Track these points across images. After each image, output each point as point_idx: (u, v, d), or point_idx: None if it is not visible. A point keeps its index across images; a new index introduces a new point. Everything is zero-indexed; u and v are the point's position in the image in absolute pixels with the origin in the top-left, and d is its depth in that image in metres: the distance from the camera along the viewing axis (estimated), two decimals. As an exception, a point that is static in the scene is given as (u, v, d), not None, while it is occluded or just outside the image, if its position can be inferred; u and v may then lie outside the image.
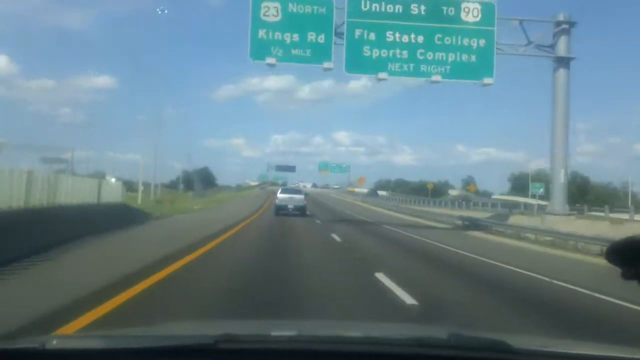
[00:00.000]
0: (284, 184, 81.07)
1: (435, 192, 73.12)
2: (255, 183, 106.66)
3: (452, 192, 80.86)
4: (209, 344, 1.31)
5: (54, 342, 1.33)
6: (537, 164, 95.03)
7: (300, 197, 29.71)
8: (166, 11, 74.54)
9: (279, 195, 30.16)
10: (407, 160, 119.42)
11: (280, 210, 27.92)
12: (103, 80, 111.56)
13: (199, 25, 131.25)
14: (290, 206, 28.31)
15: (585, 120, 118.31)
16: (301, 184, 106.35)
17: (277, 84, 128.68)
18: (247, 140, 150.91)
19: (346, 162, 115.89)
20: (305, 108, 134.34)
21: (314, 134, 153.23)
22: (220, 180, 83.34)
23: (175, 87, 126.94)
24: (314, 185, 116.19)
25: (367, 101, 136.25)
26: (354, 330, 2.28)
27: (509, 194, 70.57)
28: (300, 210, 28.01)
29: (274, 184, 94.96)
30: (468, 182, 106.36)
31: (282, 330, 2.07)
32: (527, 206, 35.91)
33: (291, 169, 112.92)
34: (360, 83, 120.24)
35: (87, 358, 1.30)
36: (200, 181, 76.76)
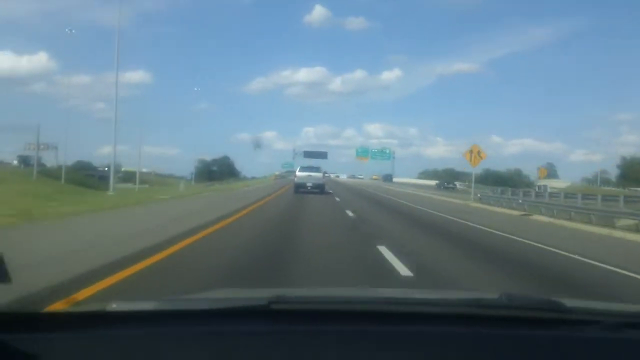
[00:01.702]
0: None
1: (506, 182, 64.43)
2: (278, 173, 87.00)
3: (541, 182, 59.68)
4: (262, 305, 1.34)
5: (114, 305, 1.34)
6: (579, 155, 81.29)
7: (319, 175, 30.19)
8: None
9: (298, 173, 30.70)
10: (440, 151, 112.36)
11: (300, 188, 28.55)
12: (138, 76, 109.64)
13: (232, 19, 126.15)
14: (309, 184, 28.88)
15: None
16: (332, 175, 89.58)
17: (308, 76, 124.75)
18: (278, 133, 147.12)
19: (389, 147, 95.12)
20: (337, 100, 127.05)
21: (345, 126, 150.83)
22: (249, 172, 77.08)
23: (208, 82, 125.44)
24: (352, 176, 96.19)
25: (400, 93, 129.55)
26: (405, 294, 2.33)
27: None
28: (319, 188, 28.63)
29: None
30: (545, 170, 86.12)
31: (332, 293, 2.10)
32: None
33: (322, 155, 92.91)
34: (392, 74, 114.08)
35: (144, 321, 1.32)
36: (218, 171, 67.70)
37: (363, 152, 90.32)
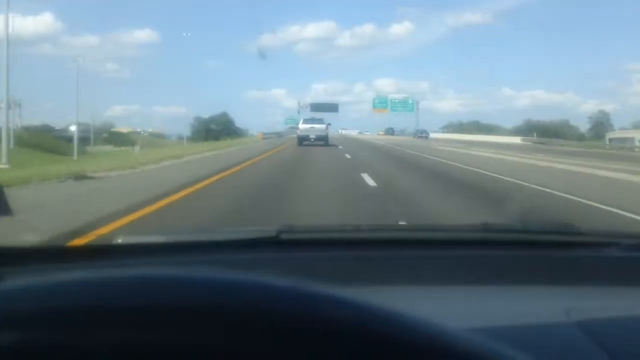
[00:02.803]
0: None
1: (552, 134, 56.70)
2: (281, 129, 73.26)
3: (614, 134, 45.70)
4: (272, 236, 1.32)
5: (119, 239, 1.36)
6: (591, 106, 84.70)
7: (322, 126, 29.43)
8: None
9: (301, 125, 30.26)
10: (452, 105, 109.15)
11: (303, 141, 28.10)
12: (145, 34, 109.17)
13: None
14: (312, 136, 28.41)
15: None
16: (343, 132, 77.83)
17: (316, 32, 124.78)
18: (287, 91, 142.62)
19: (412, 96, 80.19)
20: (346, 55, 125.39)
21: (355, 82, 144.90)
22: (257, 128, 71.34)
23: (215, 39, 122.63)
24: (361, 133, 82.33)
25: (409, 46, 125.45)
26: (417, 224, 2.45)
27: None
28: (323, 140, 28.25)
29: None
30: (599, 121, 72.03)
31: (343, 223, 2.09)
32: None
33: (332, 108, 78.45)
34: (402, 27, 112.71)
35: (151, 252, 1.31)
36: (217, 129, 67.24)
37: (381, 103, 75.72)
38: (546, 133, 61.88)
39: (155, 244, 1.38)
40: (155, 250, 1.32)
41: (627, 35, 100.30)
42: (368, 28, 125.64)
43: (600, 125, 71.87)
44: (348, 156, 19.26)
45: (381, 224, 1.91)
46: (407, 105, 75.69)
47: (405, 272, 1.24)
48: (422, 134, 73.33)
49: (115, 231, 3.18)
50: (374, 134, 78.23)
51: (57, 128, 70.04)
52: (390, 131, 78.46)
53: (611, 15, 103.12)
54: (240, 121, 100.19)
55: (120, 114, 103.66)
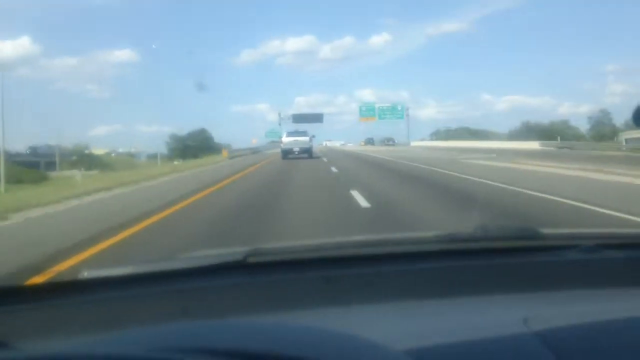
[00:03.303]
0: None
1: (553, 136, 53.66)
2: (259, 144, 68.11)
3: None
4: (239, 260, 1.30)
5: (85, 273, 1.32)
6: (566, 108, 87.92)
7: (306, 139, 29.17)
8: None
9: (284, 139, 29.74)
10: (432, 113, 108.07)
11: (287, 155, 27.93)
12: (125, 54, 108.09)
13: None
14: (296, 149, 28.21)
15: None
16: (328, 143, 74.50)
17: (297, 46, 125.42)
18: (270, 105, 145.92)
19: (401, 101, 75.41)
20: (327, 68, 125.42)
21: (337, 94, 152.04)
22: (239, 143, 64.23)
23: (196, 57, 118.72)
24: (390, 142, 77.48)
25: (390, 57, 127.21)
26: (380, 236, 2.07)
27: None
28: (307, 152, 28.16)
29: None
30: (600, 121, 68.02)
31: (308, 242, 2.00)
32: None
33: (316, 118, 73.42)
34: (382, 38, 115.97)
35: (116, 284, 1.28)
36: (195, 146, 63.81)
37: (368, 111, 70.84)
38: (546, 135, 57.73)
39: (121, 276, 1.33)
40: (118, 282, 1.29)
41: (601, 37, 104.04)
42: (348, 40, 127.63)
43: (601, 124, 67.58)
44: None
45: (348, 240, 1.69)
46: (395, 112, 70.93)
47: (371, 290, 1.24)
48: (389, 142, 70.99)
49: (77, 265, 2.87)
50: (356, 145, 73.97)
51: (13, 152, 64.08)
52: (370, 141, 75.52)
53: (585, 18, 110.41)
54: (224, 136, 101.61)
55: (104, 134, 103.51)
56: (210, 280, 1.26)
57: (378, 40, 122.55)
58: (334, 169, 17.79)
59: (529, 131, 67.98)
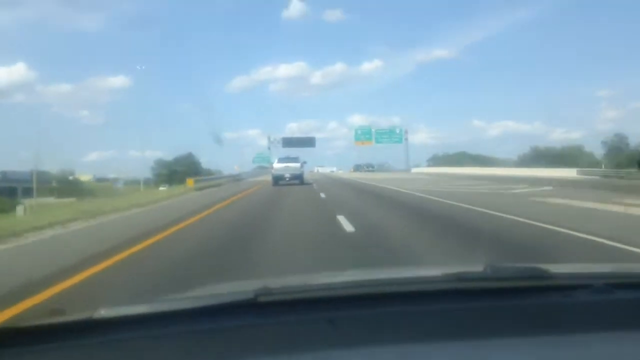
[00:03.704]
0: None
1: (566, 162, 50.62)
2: (244, 170, 62.42)
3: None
4: (250, 298, 1.32)
5: (102, 312, 1.32)
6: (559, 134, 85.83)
7: (297, 165, 28.80)
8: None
9: (275, 165, 29.27)
10: (423, 138, 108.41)
11: (279, 181, 27.61)
12: (119, 81, 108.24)
13: (208, 21, 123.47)
14: (287, 175, 27.90)
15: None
16: (320, 169, 71.26)
17: (289, 72, 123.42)
18: (262, 131, 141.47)
19: (403, 123, 70.25)
20: (319, 94, 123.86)
21: (329, 119, 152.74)
22: (229, 168, 63.38)
23: (189, 83, 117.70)
24: (372, 168, 73.45)
25: (381, 83, 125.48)
26: (388, 274, 2.21)
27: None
28: (298, 179, 27.90)
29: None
30: (615, 146, 63.14)
31: (318, 280, 2.01)
32: None
33: (308, 142, 68.02)
34: (372, 64, 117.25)
35: (132, 325, 1.29)
36: (182, 171, 59.36)
37: (364, 135, 65.48)
38: (559, 161, 52.90)
39: (135, 315, 1.35)
40: (134, 322, 1.30)
41: (592, 63, 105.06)
42: (339, 67, 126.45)
43: (618, 150, 62.63)
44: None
45: (356, 279, 1.71)
46: (393, 135, 65.62)
47: (379, 331, 1.24)
48: (368, 168, 68.67)
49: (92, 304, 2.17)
50: (347, 171, 68.81)
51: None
52: (359, 168, 72.19)
53: (577, 45, 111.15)
54: (214, 162, 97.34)
55: (96, 159, 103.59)
56: (220, 320, 1.27)
57: (369, 66, 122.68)
58: (339, 217, 11.99)
59: (539, 157, 63.08)
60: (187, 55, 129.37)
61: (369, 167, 70.10)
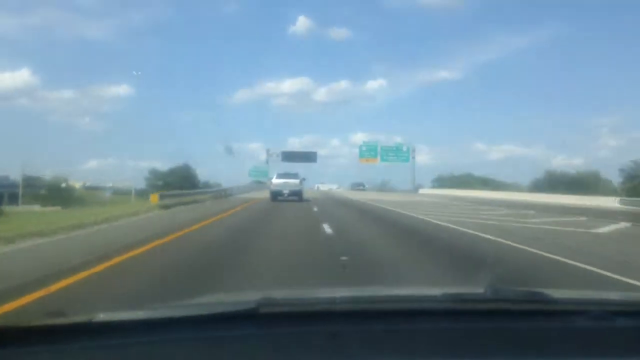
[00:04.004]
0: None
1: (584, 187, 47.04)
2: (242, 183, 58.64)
3: None
4: (252, 308, 1.32)
5: (101, 315, 1.32)
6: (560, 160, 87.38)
7: (296, 181, 28.23)
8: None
9: (274, 180, 28.86)
10: (424, 159, 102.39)
11: (277, 196, 27.15)
12: (122, 89, 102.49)
13: (214, 33, 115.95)
14: (286, 191, 27.37)
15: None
16: (321, 186, 68.64)
17: (293, 87, 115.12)
18: (263, 144, 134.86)
19: (407, 142, 66.55)
20: (322, 110, 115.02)
21: (331, 137, 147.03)
22: (231, 181, 54.55)
23: (192, 95, 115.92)
24: (361, 187, 70.15)
25: (384, 102, 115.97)
26: (390, 291, 2.31)
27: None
28: (297, 195, 27.34)
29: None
30: (633, 174, 59.29)
31: (321, 294, 2.08)
32: None
33: (309, 157, 64.35)
34: (376, 83, 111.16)
35: (131, 330, 1.27)
36: (176, 182, 53.11)
37: (370, 151, 61.70)
38: (575, 187, 49.11)
39: (134, 320, 1.34)
40: (133, 327, 1.28)
41: (595, 90, 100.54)
42: (343, 84, 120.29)
43: (635, 177, 58.73)
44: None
45: (358, 295, 1.77)
46: (400, 154, 61.86)
47: (378, 347, 1.24)
48: (359, 187, 65.88)
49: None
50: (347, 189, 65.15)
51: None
52: (357, 186, 67.50)
53: (580, 74, 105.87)
54: (214, 174, 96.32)
55: (96, 167, 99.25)
56: (222, 329, 1.26)
57: (373, 85, 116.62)
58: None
59: (553, 182, 59.30)
60: (191, 67, 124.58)
61: (359, 186, 66.84)
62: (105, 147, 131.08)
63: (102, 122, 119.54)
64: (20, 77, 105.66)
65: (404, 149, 61.95)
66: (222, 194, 32.67)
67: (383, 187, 69.80)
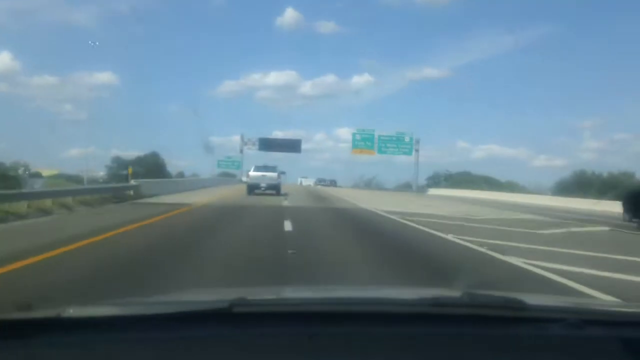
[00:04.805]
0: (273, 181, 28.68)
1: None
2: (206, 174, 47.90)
3: None
4: (224, 308, 1.30)
5: (71, 310, 1.31)
6: (542, 161, 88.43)
7: (274, 174, 27.29)
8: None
9: (251, 173, 27.64)
10: (409, 157, 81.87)
11: (254, 189, 26.15)
12: (105, 77, 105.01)
13: (199, 22, 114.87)
14: (263, 185, 26.49)
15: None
16: (304, 181, 63.79)
17: (279, 80, 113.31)
18: (248, 138, 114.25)
19: (408, 131, 55.79)
20: (307, 104, 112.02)
21: (316, 131, 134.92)
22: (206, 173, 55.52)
23: (176, 84, 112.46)
24: (325, 182, 61.35)
25: (370, 97, 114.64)
26: (366, 292, 2.34)
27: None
28: (275, 189, 26.41)
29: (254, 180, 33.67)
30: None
31: (296, 294, 2.11)
32: None
33: (291, 146, 53.68)
34: (363, 78, 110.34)
35: (102, 326, 1.27)
36: (143, 171, 48.48)
37: (365, 141, 50.88)
38: (606, 190, 39.44)
39: (104, 317, 1.33)
40: (104, 323, 1.27)
41: (579, 92, 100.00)
42: (329, 78, 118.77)
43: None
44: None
45: (334, 296, 1.83)
46: (401, 144, 51.18)
47: (354, 350, 1.24)
48: (322, 182, 61.61)
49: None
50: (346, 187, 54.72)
51: None
52: (320, 182, 63.09)
53: (563, 75, 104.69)
54: (196, 166, 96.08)
55: (77, 156, 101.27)
56: (193, 328, 1.24)
57: (359, 80, 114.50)
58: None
59: (583, 184, 49.12)
60: (175, 56, 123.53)
61: (322, 181, 62.74)
62: (87, 136, 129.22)
63: (84, 111, 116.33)
64: (0, 61, 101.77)
65: (406, 139, 51.16)
66: (120, 194, 19.33)
67: (367, 185, 60.45)
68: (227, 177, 55.21)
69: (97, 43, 65.37)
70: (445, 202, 28.10)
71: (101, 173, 77.53)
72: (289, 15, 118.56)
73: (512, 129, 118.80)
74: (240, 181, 48.63)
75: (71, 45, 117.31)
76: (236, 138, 68.31)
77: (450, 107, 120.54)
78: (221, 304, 1.30)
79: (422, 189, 50.40)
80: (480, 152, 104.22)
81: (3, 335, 1.14)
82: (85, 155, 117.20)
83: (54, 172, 73.13)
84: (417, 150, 51.79)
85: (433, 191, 46.99)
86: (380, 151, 50.83)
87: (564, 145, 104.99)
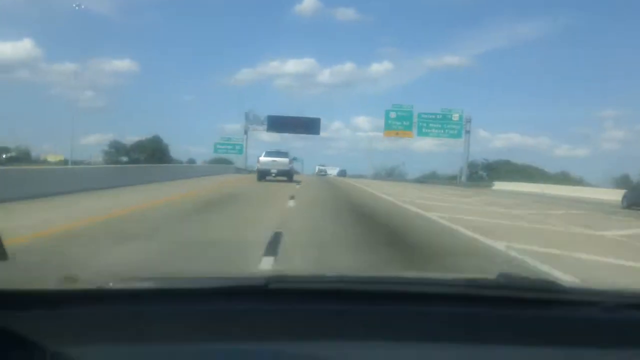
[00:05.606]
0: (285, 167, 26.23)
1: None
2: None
3: None
4: (261, 285, 1.33)
5: (110, 284, 1.35)
6: (563, 150, 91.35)
7: (285, 160, 26.29)
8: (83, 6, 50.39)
9: (262, 159, 26.75)
10: (428, 145, 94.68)
11: (265, 175, 25.62)
12: (124, 65, 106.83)
13: (218, 9, 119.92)
14: (274, 170, 25.64)
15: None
16: (321, 169, 60.29)
17: (297, 68, 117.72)
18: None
19: (457, 107, 45.07)
20: (325, 92, 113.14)
21: (333, 119, 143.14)
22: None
23: (195, 72, 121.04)
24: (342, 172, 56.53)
25: (389, 85, 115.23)
26: (401, 273, 2.31)
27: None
28: (287, 175, 25.94)
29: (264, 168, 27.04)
30: None
31: (329, 273, 2.05)
32: None
33: (309, 126, 43.32)
34: (382, 66, 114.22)
35: (142, 298, 1.30)
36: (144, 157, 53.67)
37: (401, 120, 40.12)
38: None
39: (144, 289, 1.35)
40: (144, 296, 1.30)
41: (599, 83, 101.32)
42: (348, 66, 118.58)
43: None
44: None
45: (368, 275, 1.85)
46: (448, 124, 40.45)
47: (387, 329, 1.24)
48: (320, 173, 56.64)
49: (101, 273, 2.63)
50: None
51: None
52: (321, 172, 58.45)
53: (586, 64, 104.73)
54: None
55: (95, 142, 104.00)
56: (230, 303, 1.27)
57: (378, 68, 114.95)
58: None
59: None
60: (194, 44, 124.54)
61: (321, 172, 59.00)
62: (106, 122, 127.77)
63: (103, 97, 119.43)
64: (22, 47, 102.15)
65: (454, 117, 40.26)
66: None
67: (387, 176, 51.44)
68: (219, 165, 44.58)
69: (83, 6, 57.70)
70: (572, 210, 17.18)
71: (99, 159, 69.96)
72: (308, 2, 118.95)
73: (533, 118, 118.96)
74: (239, 170, 38.71)
75: (92, 33, 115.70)
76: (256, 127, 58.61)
77: (469, 94, 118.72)
78: (258, 281, 1.35)
79: (468, 183, 39.52)
80: (499, 141, 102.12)
81: (49, 307, 1.16)
82: (101, 142, 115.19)
83: (60, 157, 69.11)
84: (467, 132, 40.98)
85: (500, 185, 35.97)
86: (420, 133, 40.28)
87: (586, 135, 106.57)
